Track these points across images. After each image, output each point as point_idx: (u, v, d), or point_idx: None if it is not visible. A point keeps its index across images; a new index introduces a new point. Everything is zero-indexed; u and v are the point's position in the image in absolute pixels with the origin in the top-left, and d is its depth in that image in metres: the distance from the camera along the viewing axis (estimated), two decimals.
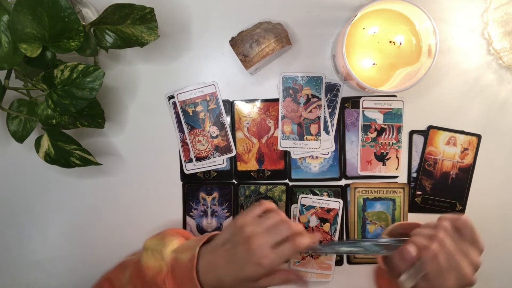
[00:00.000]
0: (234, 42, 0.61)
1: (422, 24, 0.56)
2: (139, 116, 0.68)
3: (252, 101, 0.67)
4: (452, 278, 0.44)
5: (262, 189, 0.68)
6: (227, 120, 0.67)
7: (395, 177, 0.67)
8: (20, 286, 0.72)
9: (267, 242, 0.47)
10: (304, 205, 0.67)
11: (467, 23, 0.64)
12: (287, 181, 0.68)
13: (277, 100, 0.66)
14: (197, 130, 0.67)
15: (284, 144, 0.66)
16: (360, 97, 0.66)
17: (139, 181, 0.68)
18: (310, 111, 0.66)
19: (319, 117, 0.66)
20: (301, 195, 0.67)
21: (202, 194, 0.68)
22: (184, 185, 0.68)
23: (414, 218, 0.67)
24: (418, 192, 0.67)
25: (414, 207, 0.67)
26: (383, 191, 0.67)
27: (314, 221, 0.67)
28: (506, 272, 0.68)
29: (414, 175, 0.67)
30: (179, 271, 0.50)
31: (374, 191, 0.67)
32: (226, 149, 0.67)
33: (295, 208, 0.67)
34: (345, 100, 0.66)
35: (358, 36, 0.58)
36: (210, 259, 0.50)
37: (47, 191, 0.69)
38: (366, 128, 0.66)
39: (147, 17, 0.55)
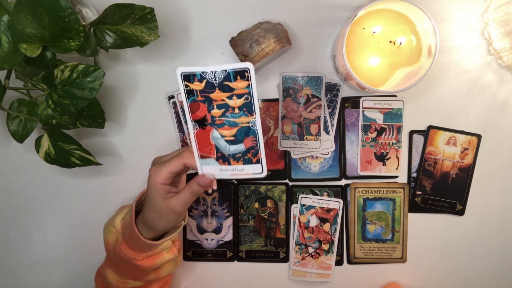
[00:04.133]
0: (234, 42, 0.61)
1: (422, 24, 0.56)
2: (139, 116, 0.68)
3: None
4: None
5: (262, 189, 0.68)
6: None
7: (395, 177, 0.67)
8: (20, 286, 0.72)
9: (158, 165, 0.51)
10: (304, 205, 0.67)
11: (467, 23, 0.64)
12: (287, 181, 0.68)
13: (277, 100, 0.66)
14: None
15: (284, 144, 0.66)
16: (360, 97, 0.66)
17: (139, 181, 0.68)
18: (310, 111, 0.66)
19: (319, 117, 0.66)
20: (301, 195, 0.67)
21: (202, 194, 0.68)
22: None
23: (414, 218, 0.67)
24: (418, 192, 0.67)
25: (414, 207, 0.67)
26: (383, 191, 0.67)
27: (314, 221, 0.67)
28: (507, 272, 0.68)
29: (414, 175, 0.67)
30: (126, 232, 0.54)
31: (374, 191, 0.67)
32: None
33: (295, 208, 0.67)
34: (345, 100, 0.66)
35: (358, 36, 0.58)
36: (140, 208, 0.54)
37: (47, 191, 0.69)
38: (366, 128, 0.66)
39: (147, 17, 0.55)
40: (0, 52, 0.48)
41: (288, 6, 0.65)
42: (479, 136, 0.66)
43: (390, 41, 0.58)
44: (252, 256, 0.69)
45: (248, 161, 0.48)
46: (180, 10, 0.65)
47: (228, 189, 0.68)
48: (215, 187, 0.51)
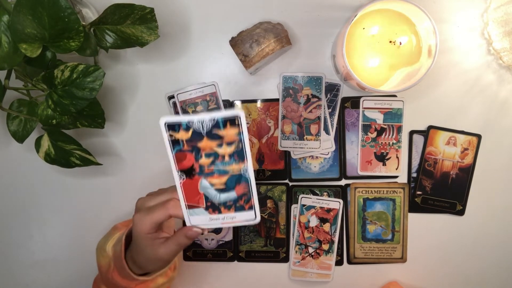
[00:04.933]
0: (234, 42, 0.61)
1: (422, 24, 0.56)
2: (139, 116, 0.68)
3: (252, 101, 0.67)
4: None
5: (262, 189, 0.68)
6: None
7: (395, 177, 0.67)
8: (20, 286, 0.72)
9: (142, 213, 0.47)
10: (304, 205, 0.67)
11: (467, 23, 0.64)
12: (287, 181, 0.68)
13: (277, 100, 0.66)
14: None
15: (284, 144, 0.66)
16: (360, 97, 0.66)
17: (139, 181, 0.68)
18: (310, 111, 0.66)
19: (319, 117, 0.66)
20: (301, 195, 0.67)
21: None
22: None
23: (414, 218, 0.67)
24: (418, 192, 0.67)
25: (414, 207, 0.67)
26: (383, 191, 0.67)
27: (314, 221, 0.67)
28: (507, 272, 0.68)
29: (414, 175, 0.67)
30: (117, 262, 0.52)
31: (374, 191, 0.67)
32: None
33: (295, 208, 0.67)
34: (345, 100, 0.66)
35: (358, 36, 0.58)
36: (131, 245, 0.52)
37: (47, 191, 0.69)
38: (366, 128, 0.66)
39: (147, 17, 0.55)
40: (0, 52, 0.48)
41: (288, 6, 0.65)
42: (479, 136, 0.66)
43: (390, 41, 0.58)
44: (252, 256, 0.68)
45: (240, 208, 0.45)
46: (180, 10, 0.65)
47: None
48: (206, 232, 0.48)
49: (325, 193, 0.67)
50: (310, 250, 0.67)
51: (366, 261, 0.68)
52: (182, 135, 0.42)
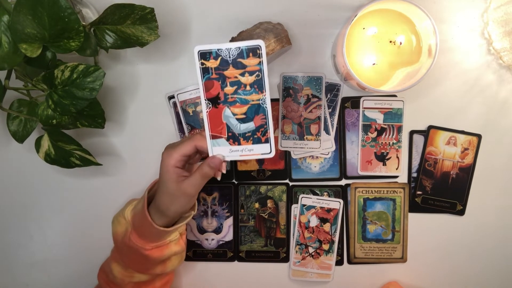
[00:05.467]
0: None
1: (422, 24, 0.57)
2: (139, 116, 0.68)
3: None
4: None
5: (262, 189, 0.68)
6: None
7: (396, 177, 0.67)
8: (20, 286, 0.72)
9: (170, 148, 0.52)
10: (304, 205, 0.67)
11: (467, 23, 0.64)
12: (287, 181, 0.68)
13: (277, 100, 0.66)
14: (197, 130, 0.67)
15: (284, 144, 0.66)
16: (360, 97, 0.66)
17: (139, 181, 0.68)
18: (310, 111, 0.66)
19: (319, 117, 0.66)
20: (301, 195, 0.67)
21: (202, 194, 0.68)
22: None
23: (414, 218, 0.67)
24: (419, 192, 0.67)
25: (414, 207, 0.67)
26: (384, 191, 0.67)
27: (314, 221, 0.67)
28: (506, 272, 0.68)
29: (415, 175, 0.67)
30: (137, 220, 0.55)
31: (375, 191, 0.67)
32: None
33: (295, 208, 0.67)
34: (345, 100, 0.66)
35: (358, 36, 0.58)
36: (151, 200, 0.56)
37: (47, 191, 0.69)
38: (366, 128, 0.66)
39: (147, 17, 0.55)
40: (0, 52, 0.48)
41: (288, 6, 0.65)
42: (479, 136, 0.66)
43: (390, 41, 0.58)
44: (252, 256, 0.69)
45: (257, 141, 0.50)
46: (180, 10, 0.65)
47: (228, 189, 0.68)
48: (224, 171, 0.53)
49: (325, 193, 0.67)
50: (310, 250, 0.67)
51: (366, 261, 0.68)
52: (212, 63, 0.49)
